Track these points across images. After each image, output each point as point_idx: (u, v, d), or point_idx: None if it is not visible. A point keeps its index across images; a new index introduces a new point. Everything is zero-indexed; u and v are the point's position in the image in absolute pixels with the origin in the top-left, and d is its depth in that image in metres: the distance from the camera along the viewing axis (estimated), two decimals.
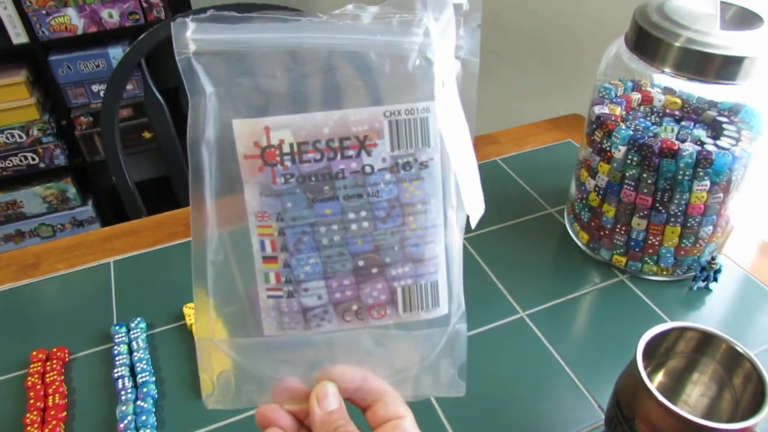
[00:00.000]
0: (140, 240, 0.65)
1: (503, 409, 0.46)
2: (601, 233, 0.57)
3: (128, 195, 0.85)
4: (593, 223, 0.57)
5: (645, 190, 0.51)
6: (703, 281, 0.54)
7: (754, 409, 0.33)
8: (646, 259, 0.55)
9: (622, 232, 0.55)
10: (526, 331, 0.52)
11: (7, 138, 1.34)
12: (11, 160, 1.37)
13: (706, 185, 0.49)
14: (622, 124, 0.52)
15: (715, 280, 0.54)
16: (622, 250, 0.56)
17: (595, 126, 0.54)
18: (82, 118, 1.36)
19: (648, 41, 0.49)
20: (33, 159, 1.38)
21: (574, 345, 0.51)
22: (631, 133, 0.51)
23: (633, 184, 0.52)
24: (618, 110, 0.55)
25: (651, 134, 0.51)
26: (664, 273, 0.55)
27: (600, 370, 0.48)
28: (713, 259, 0.54)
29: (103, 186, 1.50)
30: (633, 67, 0.51)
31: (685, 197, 0.50)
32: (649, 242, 0.54)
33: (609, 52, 0.56)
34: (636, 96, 0.56)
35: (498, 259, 0.60)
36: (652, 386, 0.34)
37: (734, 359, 0.37)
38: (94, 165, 1.45)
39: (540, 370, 0.49)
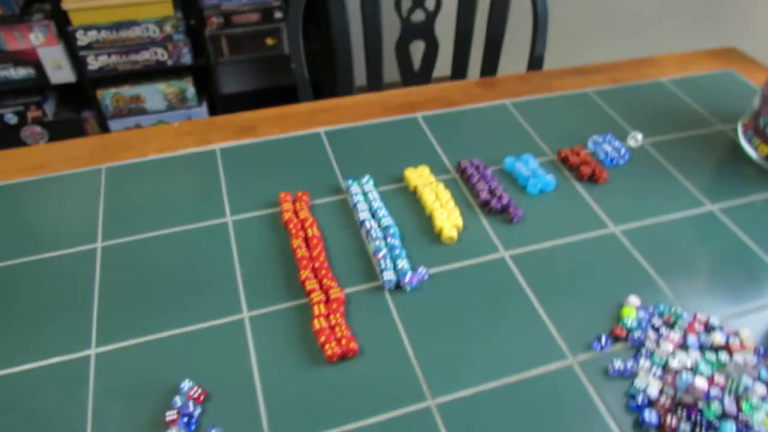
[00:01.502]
0: (343, 115, 0.72)
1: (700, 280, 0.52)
2: None
3: (303, 82, 0.92)
4: None
5: None
6: None
7: None
8: None
9: None
10: (719, 224, 0.57)
11: (143, 32, 1.41)
12: (143, 54, 1.44)
13: None
14: None
15: None
16: None
17: None
18: (213, 18, 1.41)
19: None
20: (162, 55, 1.45)
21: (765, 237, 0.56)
22: None
23: None
24: None
25: None
26: None
27: None
28: None
29: (220, 90, 1.56)
30: None
31: None
32: None
33: None
34: None
35: (681, 164, 0.65)
36: None
37: None
38: (216, 67, 1.51)
39: (733, 255, 0.54)
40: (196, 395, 0.42)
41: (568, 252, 0.54)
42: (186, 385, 0.42)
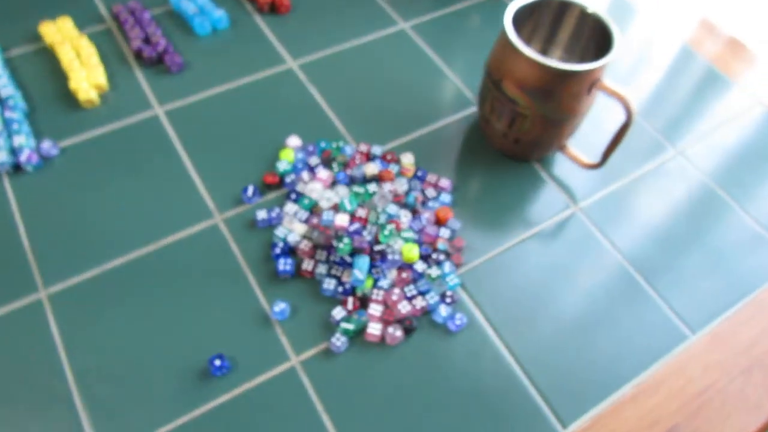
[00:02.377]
0: None
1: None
2: None
3: None
4: None
5: None
6: None
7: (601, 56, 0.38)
8: None
9: None
10: (410, 43, 0.53)
11: None
12: None
13: None
14: None
15: None
16: None
17: None
18: None
19: None
20: None
21: (452, 51, 0.53)
22: None
23: None
24: None
25: None
26: None
27: (465, 61, 0.52)
28: None
29: None
30: None
31: None
32: None
33: None
34: None
35: None
36: (519, 42, 0.37)
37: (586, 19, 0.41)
38: None
39: (420, 73, 0.51)
40: None
41: (234, 98, 0.47)
42: None
